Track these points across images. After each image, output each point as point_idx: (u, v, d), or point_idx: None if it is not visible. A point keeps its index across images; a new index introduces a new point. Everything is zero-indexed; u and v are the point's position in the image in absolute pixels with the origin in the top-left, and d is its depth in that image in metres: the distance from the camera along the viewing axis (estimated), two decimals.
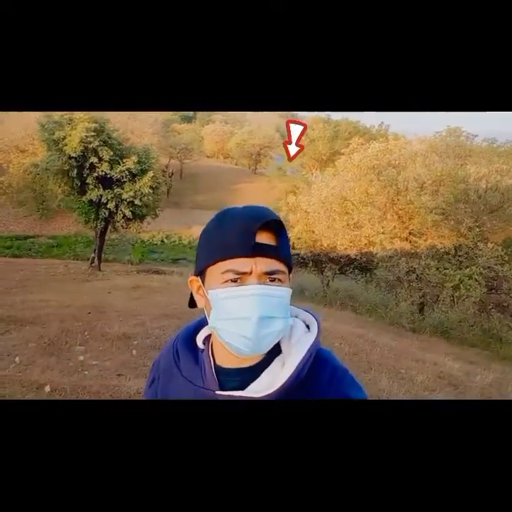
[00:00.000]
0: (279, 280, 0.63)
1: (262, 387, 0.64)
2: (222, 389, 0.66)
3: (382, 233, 10.84)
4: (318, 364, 0.67)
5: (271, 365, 0.66)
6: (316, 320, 0.72)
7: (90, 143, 9.71)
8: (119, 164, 10.16)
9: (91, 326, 5.30)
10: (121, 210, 10.46)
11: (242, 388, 0.65)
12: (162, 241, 24.25)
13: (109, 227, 11.73)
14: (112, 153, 10.03)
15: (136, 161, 10.18)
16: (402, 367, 4.99)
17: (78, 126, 9.89)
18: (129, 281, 10.51)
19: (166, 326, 5.60)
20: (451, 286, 9.11)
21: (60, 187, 10.92)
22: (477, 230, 10.02)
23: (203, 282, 0.67)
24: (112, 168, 10.09)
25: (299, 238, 12.98)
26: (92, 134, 9.69)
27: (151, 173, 10.41)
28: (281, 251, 0.64)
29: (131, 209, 10.48)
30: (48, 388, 3.28)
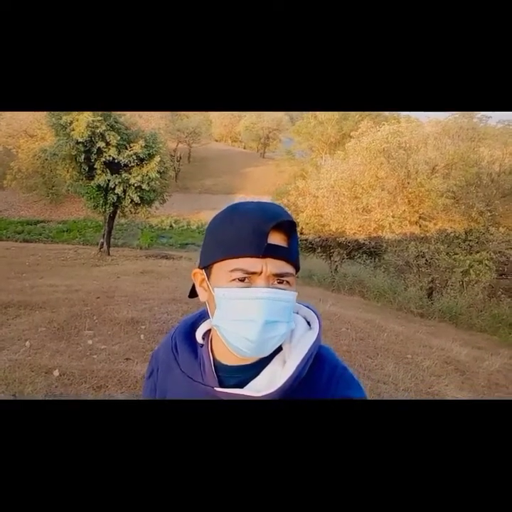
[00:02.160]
0: (288, 282, 0.63)
1: (262, 386, 0.64)
2: (221, 386, 0.66)
3: (392, 217, 10.71)
4: (318, 362, 0.67)
5: (271, 364, 0.66)
6: (317, 317, 0.71)
7: (97, 127, 9.68)
8: (127, 149, 10.14)
9: (100, 310, 5.37)
10: (129, 195, 10.48)
11: (242, 386, 0.65)
12: (171, 226, 24.36)
13: (118, 212, 11.79)
14: (119, 137, 10.00)
15: (143, 145, 10.14)
16: (408, 352, 4.99)
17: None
18: (137, 265, 10.60)
19: (173, 310, 5.66)
20: (461, 271, 9.02)
21: (68, 172, 10.95)
22: (488, 214, 9.84)
23: (208, 276, 0.65)
24: (119, 153, 10.08)
25: (307, 223, 12.91)
26: (99, 118, 9.65)
27: (158, 158, 10.38)
28: (292, 253, 0.63)
29: (138, 194, 10.50)
30: (56, 372, 3.35)
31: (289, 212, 0.66)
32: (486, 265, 8.96)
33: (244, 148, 39.57)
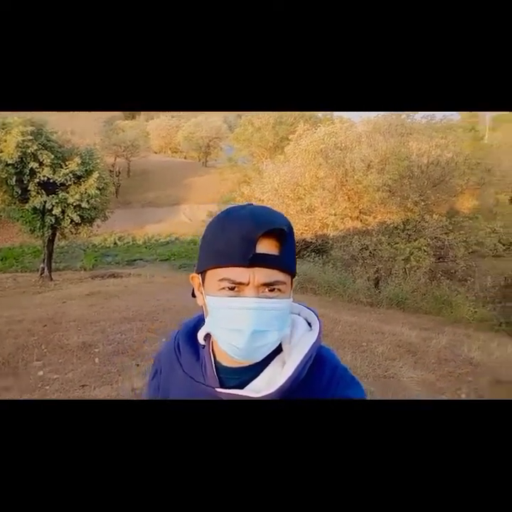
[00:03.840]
0: (279, 290, 0.61)
1: (262, 386, 0.64)
2: (222, 386, 0.66)
3: (334, 215, 11.12)
4: (318, 363, 0.67)
5: (270, 365, 0.66)
6: (318, 318, 0.71)
7: (28, 147, 9.18)
8: (62, 167, 9.70)
9: (47, 339, 5.09)
10: (68, 215, 10.02)
11: (242, 387, 0.65)
12: (115, 243, 23.54)
13: (57, 234, 11.23)
14: (52, 156, 9.55)
15: (79, 162, 9.76)
16: (363, 340, 5.20)
17: (13, 130, 9.31)
18: (83, 288, 10.15)
19: (127, 329, 5.49)
20: (403, 259, 9.54)
21: None
22: (422, 203, 10.52)
23: (202, 282, 0.66)
24: (54, 172, 9.62)
25: None
26: (29, 137, 9.16)
27: (96, 174, 10.03)
28: (283, 260, 0.61)
29: (78, 213, 10.07)
30: None
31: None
32: (425, 251, 9.56)
33: (186, 158, 39.21)
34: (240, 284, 0.60)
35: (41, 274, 11.42)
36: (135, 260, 21.29)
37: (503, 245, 10.99)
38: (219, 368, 0.69)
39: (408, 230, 10.42)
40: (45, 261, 11.28)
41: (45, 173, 9.57)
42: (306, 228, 11.75)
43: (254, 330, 0.60)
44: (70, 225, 10.48)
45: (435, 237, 10.00)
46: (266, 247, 0.60)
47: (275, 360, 0.66)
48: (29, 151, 9.33)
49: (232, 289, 0.61)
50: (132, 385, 3.69)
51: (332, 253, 11.20)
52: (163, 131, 38.81)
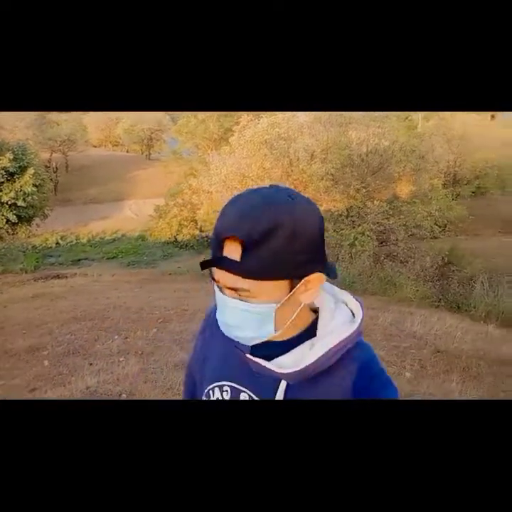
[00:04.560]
0: (246, 296, 0.60)
1: (287, 363, 0.65)
2: (252, 355, 0.67)
3: None
4: (353, 358, 0.65)
5: (301, 345, 0.66)
6: (361, 313, 0.69)
7: None
8: None
9: None
10: (3, 215, 9.38)
11: (269, 359, 0.66)
12: (57, 243, 22.33)
13: None
14: None
15: (11, 158, 9.12)
16: None
17: None
18: (26, 291, 9.58)
19: (77, 329, 5.30)
20: (348, 244, 9.95)
21: None
22: (364, 190, 11.00)
23: None
24: None
25: (205, 220, 12.99)
26: None
27: (31, 170, 9.44)
28: (245, 267, 0.57)
29: (14, 212, 9.45)
30: None
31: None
32: (368, 236, 10.03)
33: (128, 151, 37.87)
34: (217, 281, 0.62)
35: None
36: (80, 260, 20.31)
37: (439, 227, 11.77)
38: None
39: (352, 216, 10.86)
40: None
41: None
42: None
43: (226, 323, 0.64)
44: (7, 225, 9.80)
45: (377, 222, 10.50)
46: (229, 250, 0.58)
47: (308, 342, 0.66)
48: None
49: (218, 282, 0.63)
50: (86, 383, 3.59)
51: None
52: (101, 124, 37.15)
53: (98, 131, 37.31)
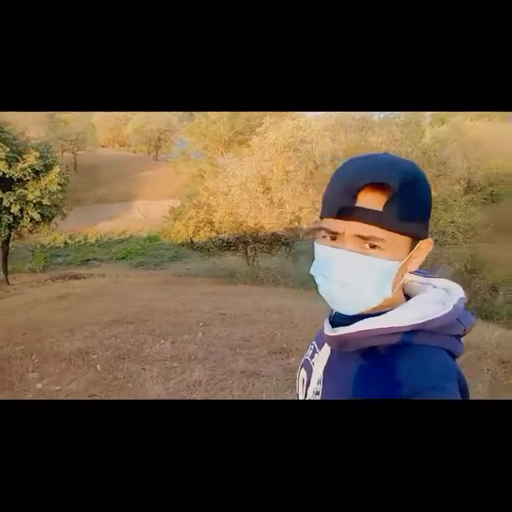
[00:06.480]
0: (379, 247, 0.57)
1: (340, 330, 0.63)
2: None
3: (303, 208, 11.25)
4: (415, 356, 0.58)
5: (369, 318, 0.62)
6: (455, 307, 0.61)
7: None
8: (18, 161, 8.90)
9: (36, 347, 4.69)
10: (27, 213, 9.24)
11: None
12: (65, 243, 22.30)
13: (12, 233, 10.34)
14: (8, 149, 8.72)
15: (38, 156, 9.01)
16: None
17: None
18: (48, 291, 9.46)
19: (120, 333, 5.20)
20: None
21: None
22: None
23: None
24: (10, 167, 8.80)
25: (221, 222, 12.90)
26: None
27: (57, 168, 9.33)
28: (387, 218, 0.56)
29: (39, 211, 9.32)
30: None
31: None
32: None
33: (134, 152, 37.79)
34: (336, 233, 0.59)
35: None
36: (89, 260, 20.24)
37: (461, 234, 11.69)
38: (337, 315, 0.68)
39: None
40: (0, 264, 10.36)
41: (0, 167, 8.73)
42: (277, 222, 11.77)
43: (338, 280, 0.59)
44: (30, 224, 9.68)
45: None
46: (368, 200, 0.57)
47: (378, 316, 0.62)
48: None
49: (333, 238, 0.60)
50: (153, 390, 3.47)
51: (303, 246, 11.34)
52: (110, 124, 37.10)
53: (106, 130, 37.27)
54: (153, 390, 3.48)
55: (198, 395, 3.26)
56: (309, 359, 0.75)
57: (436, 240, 11.00)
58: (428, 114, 35.64)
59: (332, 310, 0.69)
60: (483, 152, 20.56)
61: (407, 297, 0.65)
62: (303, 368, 0.76)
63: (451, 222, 11.43)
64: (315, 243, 0.64)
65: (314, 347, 0.75)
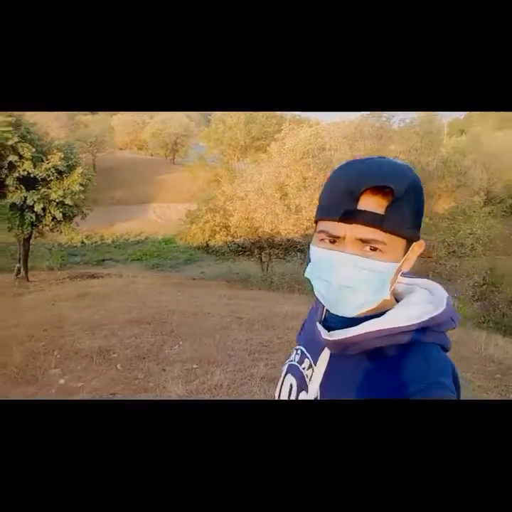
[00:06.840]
0: (380, 250, 0.58)
1: (337, 334, 0.63)
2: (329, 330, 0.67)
3: None
4: (412, 356, 0.60)
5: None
6: (442, 309, 0.62)
7: (7, 139, 8.53)
8: (43, 161, 9.10)
9: (58, 344, 4.77)
10: (50, 212, 9.43)
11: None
12: (82, 242, 22.58)
13: (34, 232, 10.55)
14: (33, 149, 8.93)
15: (62, 157, 9.20)
16: None
17: None
18: (68, 289, 9.61)
19: (140, 333, 5.25)
20: None
21: None
22: None
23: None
24: (35, 167, 9.00)
25: (237, 226, 12.95)
26: (9, 128, 8.51)
27: (80, 169, 9.51)
28: (388, 221, 0.57)
29: (61, 210, 9.50)
30: None
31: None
32: None
33: (152, 155, 38.26)
34: (337, 237, 0.59)
35: (17, 274, 10.69)
36: (105, 260, 20.48)
37: (481, 246, 11.53)
38: (328, 317, 0.69)
39: None
40: (22, 260, 10.57)
41: (26, 167, 8.94)
42: (293, 227, 11.78)
43: (340, 284, 0.59)
44: (52, 223, 9.87)
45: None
46: (370, 204, 0.57)
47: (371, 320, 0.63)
48: (8, 144, 8.68)
49: (332, 242, 0.60)
50: (174, 391, 3.50)
51: None
52: (128, 127, 37.63)
53: (125, 133, 37.81)
54: (175, 391, 3.51)
55: (223, 397, 3.28)
56: (298, 365, 0.73)
57: (454, 252, 10.88)
58: (445, 123, 35.32)
59: (321, 313, 0.71)
60: (503, 164, 20.28)
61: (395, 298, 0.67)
62: (289, 374, 0.75)
63: (470, 234, 11.29)
64: (311, 246, 0.64)
65: (302, 352, 0.74)
